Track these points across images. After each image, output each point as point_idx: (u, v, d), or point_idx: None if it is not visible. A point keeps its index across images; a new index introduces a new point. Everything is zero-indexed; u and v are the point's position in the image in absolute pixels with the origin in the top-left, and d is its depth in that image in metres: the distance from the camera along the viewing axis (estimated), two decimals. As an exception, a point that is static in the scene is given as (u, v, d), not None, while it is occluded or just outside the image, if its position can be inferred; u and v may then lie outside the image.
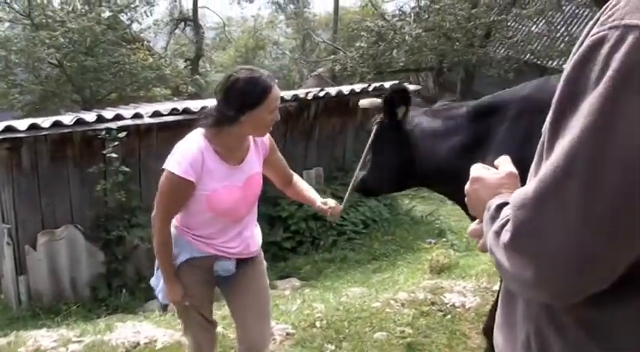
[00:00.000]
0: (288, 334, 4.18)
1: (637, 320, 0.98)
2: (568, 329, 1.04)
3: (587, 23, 1.03)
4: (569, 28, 16.41)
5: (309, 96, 9.06)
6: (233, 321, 3.09)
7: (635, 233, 0.89)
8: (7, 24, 16.71)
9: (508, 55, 16.22)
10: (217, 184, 2.62)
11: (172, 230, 2.77)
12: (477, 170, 1.26)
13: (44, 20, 15.28)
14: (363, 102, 3.81)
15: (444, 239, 8.58)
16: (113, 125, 7.41)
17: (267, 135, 2.79)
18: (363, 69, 16.44)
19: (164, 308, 2.98)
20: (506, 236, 0.98)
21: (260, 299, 2.97)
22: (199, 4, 24.86)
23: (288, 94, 8.87)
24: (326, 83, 17.40)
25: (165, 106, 8.72)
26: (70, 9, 16.18)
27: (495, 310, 1.30)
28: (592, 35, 0.94)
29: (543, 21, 16.39)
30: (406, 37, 15.67)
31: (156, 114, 7.89)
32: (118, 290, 7.38)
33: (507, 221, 1.00)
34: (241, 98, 2.50)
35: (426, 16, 16.32)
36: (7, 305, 7.36)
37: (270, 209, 8.25)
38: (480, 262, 5.89)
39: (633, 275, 0.94)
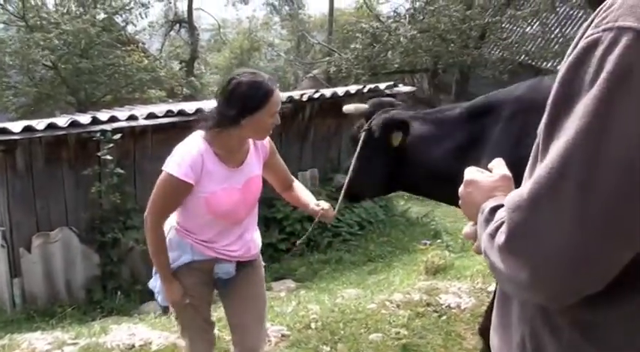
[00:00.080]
0: (283, 335, 4.17)
1: (631, 320, 0.98)
2: (562, 330, 1.04)
3: (581, 25, 1.04)
4: (564, 30, 16.45)
5: (304, 98, 9.06)
6: (228, 323, 3.08)
7: (630, 234, 0.89)
8: (1, 26, 16.70)
9: (503, 57, 16.25)
10: (216, 186, 2.62)
11: (173, 232, 2.77)
12: (471, 173, 1.26)
13: (39, 22, 15.24)
14: (348, 108, 3.72)
15: (439, 240, 8.58)
16: (108, 127, 7.40)
17: (268, 138, 2.79)
18: (358, 70, 16.45)
19: (165, 310, 2.96)
20: (500, 238, 0.98)
21: (258, 303, 2.97)
22: (194, 6, 24.83)
23: (283, 96, 8.86)
24: (321, 85, 17.44)
25: (160, 108, 8.72)
26: (65, 11, 16.17)
27: (491, 311, 1.30)
28: (586, 37, 0.94)
29: (537, 22, 16.42)
30: (401, 39, 15.69)
31: (151, 116, 7.88)
32: (112, 292, 7.36)
33: (502, 223, 1.00)
34: (243, 101, 2.50)
35: (421, 18, 16.33)
36: (2, 308, 7.31)
37: (265, 210, 8.24)
38: (475, 263, 5.90)
39: (627, 276, 0.94)
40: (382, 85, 10.10)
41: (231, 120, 2.52)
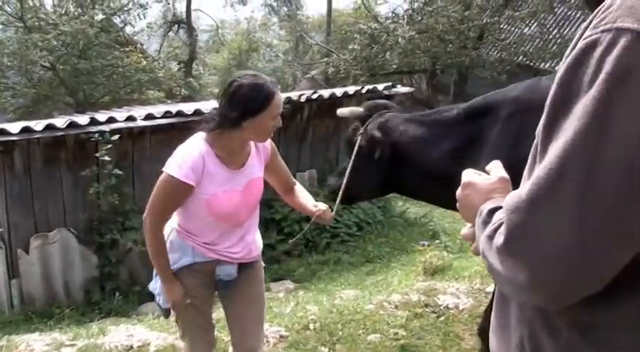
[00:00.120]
0: (281, 336, 4.18)
1: (631, 320, 0.98)
2: (561, 331, 1.04)
3: (578, 25, 1.04)
4: (562, 30, 16.47)
5: (302, 99, 9.06)
6: (227, 324, 3.08)
7: (629, 234, 0.89)
8: (-1, 27, 16.67)
9: (501, 57, 16.26)
10: (217, 188, 2.62)
11: (174, 234, 2.77)
12: (469, 175, 1.26)
13: (37, 23, 15.22)
14: (343, 111, 3.68)
15: (437, 241, 8.59)
16: (106, 128, 7.40)
17: (269, 140, 2.79)
18: (356, 71, 16.44)
19: (167, 314, 2.94)
20: (499, 239, 0.98)
21: (258, 304, 2.98)
22: (192, 7, 24.84)
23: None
24: (319, 85, 17.44)
25: (158, 109, 8.72)
26: (63, 12, 16.15)
27: (490, 311, 1.30)
28: (585, 38, 0.94)
29: (536, 23, 16.43)
30: (399, 40, 15.68)
31: (149, 117, 7.88)
32: (111, 293, 7.35)
33: (500, 225, 1.01)
34: (244, 104, 2.50)
35: (419, 19, 16.33)
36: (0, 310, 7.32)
37: (264, 211, 8.16)
38: (474, 264, 5.90)
39: (626, 277, 0.94)
40: (380, 86, 10.10)
41: (233, 122, 2.52)
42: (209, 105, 8.27)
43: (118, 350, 4.08)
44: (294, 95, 9.33)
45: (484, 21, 15.74)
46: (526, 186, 0.96)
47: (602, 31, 0.92)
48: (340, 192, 3.35)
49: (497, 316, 1.23)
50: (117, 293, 7.25)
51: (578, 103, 0.91)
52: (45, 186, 7.31)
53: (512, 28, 16.95)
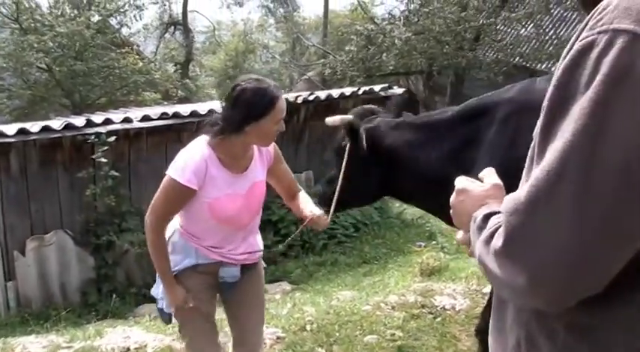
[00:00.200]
0: (278, 338, 4.18)
1: (629, 321, 0.99)
2: (558, 333, 1.04)
3: (575, 26, 1.04)
4: (558, 31, 16.49)
5: (299, 100, 9.07)
6: (229, 324, 3.06)
7: (628, 234, 0.90)
8: (-6, 28, 16.63)
9: (497, 58, 16.26)
10: (220, 192, 2.62)
11: (177, 235, 2.76)
12: (462, 182, 1.26)
13: (33, 24, 15.18)
14: (334, 120, 3.57)
15: (434, 242, 8.60)
16: (103, 129, 7.40)
17: (273, 144, 2.79)
18: (353, 72, 16.44)
19: (169, 319, 2.92)
20: (498, 242, 0.98)
21: (259, 306, 2.99)
22: (189, 8, 24.89)
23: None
24: (316, 87, 17.43)
25: (154, 110, 8.72)
26: (59, 13, 16.09)
27: (487, 312, 1.30)
28: (581, 39, 0.94)
29: (532, 24, 16.46)
30: (396, 41, 15.68)
31: (145, 118, 7.88)
32: (108, 295, 7.33)
33: (496, 229, 1.00)
34: (247, 108, 2.50)
35: (416, 20, 16.34)
36: (-4, 312, 7.31)
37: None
38: (470, 265, 5.90)
39: (626, 277, 0.94)
40: (377, 87, 10.10)
41: (236, 126, 2.52)
42: (205, 107, 8.28)
43: (115, 352, 4.07)
44: (290, 96, 9.33)
45: (480, 22, 15.75)
46: (524, 188, 0.95)
47: (599, 33, 0.92)
48: (334, 200, 3.31)
49: (495, 319, 1.23)
50: (114, 295, 7.24)
51: (575, 105, 0.91)
52: (41, 188, 7.30)
53: (509, 29, 16.98)
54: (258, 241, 2.96)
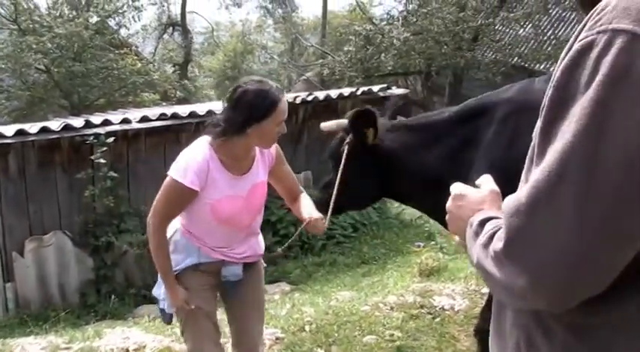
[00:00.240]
0: (277, 338, 4.18)
1: (629, 321, 0.99)
2: (556, 334, 1.04)
3: (573, 26, 1.04)
4: (556, 31, 16.50)
5: (298, 101, 9.06)
6: (228, 324, 3.06)
7: (629, 234, 0.90)
8: (-7, 29, 16.62)
9: (496, 58, 16.26)
10: (221, 194, 2.62)
11: (178, 235, 2.76)
12: (459, 188, 1.26)
13: (31, 25, 15.18)
14: (329, 125, 3.57)
15: (433, 242, 8.59)
16: (101, 130, 7.40)
17: (275, 145, 2.78)
18: (352, 73, 16.44)
19: (170, 320, 2.92)
20: (497, 244, 0.98)
21: (260, 305, 3.00)
22: (187, 9, 24.87)
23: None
24: (314, 87, 17.43)
25: (153, 111, 8.71)
26: (58, 14, 16.10)
27: (486, 312, 1.31)
28: (580, 40, 0.94)
29: (530, 24, 16.46)
30: (394, 41, 15.68)
31: (144, 119, 7.88)
32: (106, 296, 7.33)
33: (495, 232, 1.01)
34: (249, 110, 2.50)
35: (414, 20, 16.33)
36: (-6, 313, 7.30)
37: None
38: (469, 265, 5.90)
39: (626, 277, 0.94)
40: (375, 88, 10.09)
41: (237, 128, 2.52)
42: (204, 108, 8.29)
43: (114, 353, 4.07)
44: (289, 97, 9.32)
45: (479, 22, 15.75)
46: (525, 189, 0.95)
47: (598, 33, 0.92)
48: (331, 204, 3.29)
49: (494, 321, 1.24)
50: (112, 296, 7.24)
51: (575, 105, 0.91)
52: (40, 189, 7.30)
53: (507, 30, 16.98)
54: (260, 242, 2.96)
